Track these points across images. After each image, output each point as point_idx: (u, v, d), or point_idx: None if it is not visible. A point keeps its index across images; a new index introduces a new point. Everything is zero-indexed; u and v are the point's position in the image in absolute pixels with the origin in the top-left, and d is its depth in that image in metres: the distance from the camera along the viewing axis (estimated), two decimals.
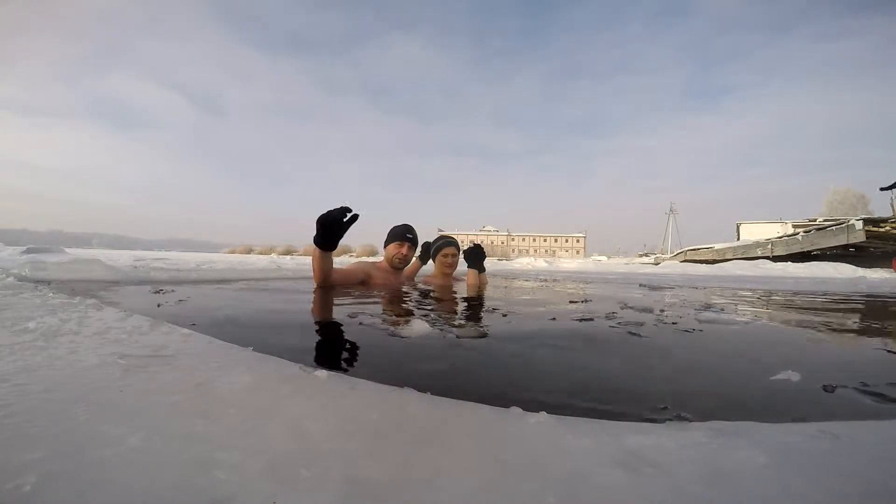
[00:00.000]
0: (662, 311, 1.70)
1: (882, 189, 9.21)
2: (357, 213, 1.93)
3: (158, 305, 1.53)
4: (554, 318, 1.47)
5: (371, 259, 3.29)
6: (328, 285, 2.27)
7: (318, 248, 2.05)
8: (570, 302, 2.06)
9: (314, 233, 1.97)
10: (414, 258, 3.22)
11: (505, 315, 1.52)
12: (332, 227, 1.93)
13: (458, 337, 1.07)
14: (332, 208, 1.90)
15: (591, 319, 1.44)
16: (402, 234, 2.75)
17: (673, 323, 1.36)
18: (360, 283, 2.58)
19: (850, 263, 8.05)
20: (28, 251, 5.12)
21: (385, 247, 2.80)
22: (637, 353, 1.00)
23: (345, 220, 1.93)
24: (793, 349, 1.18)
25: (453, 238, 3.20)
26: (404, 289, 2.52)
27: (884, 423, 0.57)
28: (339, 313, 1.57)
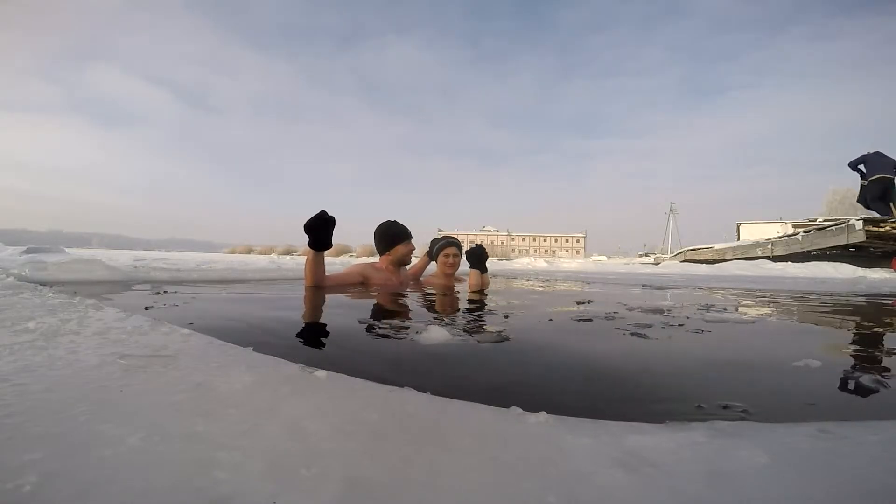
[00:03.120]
0: (669, 311, 1.70)
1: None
2: (332, 216, 2.19)
3: (147, 308, 1.46)
4: (551, 320, 1.47)
5: (368, 260, 3.28)
6: (320, 285, 2.33)
7: (312, 251, 2.23)
8: (578, 303, 2.05)
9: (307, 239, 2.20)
10: (422, 255, 3.22)
11: (506, 317, 1.52)
12: (320, 229, 2.15)
13: (479, 342, 1.04)
14: (313, 215, 2.15)
15: (590, 320, 1.44)
16: (408, 234, 2.82)
17: (679, 324, 1.37)
18: (358, 285, 2.59)
19: (850, 263, 8.04)
20: (28, 251, 5.12)
21: (389, 248, 2.78)
22: (643, 353, 1.00)
23: (326, 219, 2.16)
24: (804, 344, 1.19)
25: (455, 238, 3.19)
26: (405, 289, 2.52)
27: (884, 423, 0.57)
28: (339, 313, 1.57)
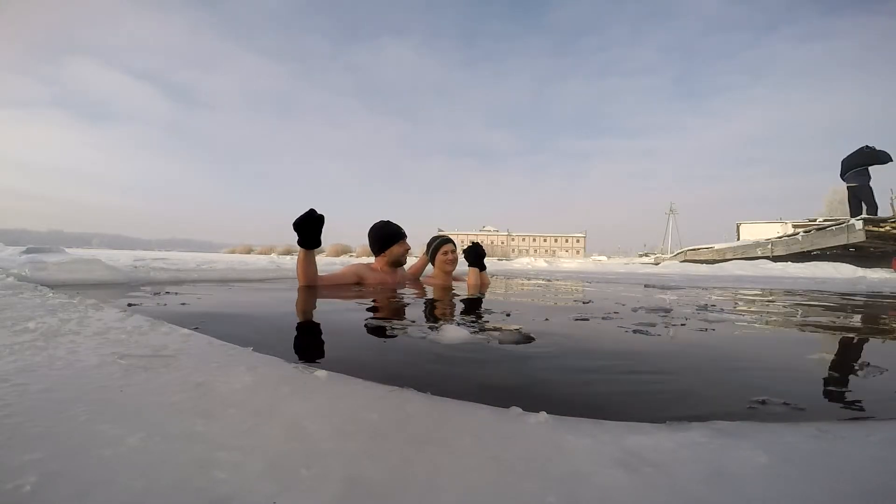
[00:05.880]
0: (670, 310, 1.70)
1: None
2: (322, 214, 2.20)
3: (129, 305, 1.45)
4: (547, 318, 1.47)
5: (366, 261, 3.27)
6: (313, 285, 2.34)
7: (302, 250, 2.25)
8: (583, 303, 2.05)
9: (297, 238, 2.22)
10: (421, 255, 3.22)
11: (508, 314, 1.52)
12: (309, 227, 2.16)
13: (500, 343, 1.02)
14: (301, 213, 2.16)
15: (587, 319, 1.44)
16: (402, 234, 2.79)
17: (682, 324, 1.37)
18: (354, 285, 2.58)
19: (850, 263, 8.05)
20: (28, 251, 5.12)
21: (384, 249, 2.77)
22: (643, 353, 1.00)
23: (315, 217, 2.17)
24: (804, 344, 1.19)
25: (448, 237, 3.20)
26: (403, 289, 2.52)
27: (884, 423, 0.57)
28: (337, 313, 1.57)
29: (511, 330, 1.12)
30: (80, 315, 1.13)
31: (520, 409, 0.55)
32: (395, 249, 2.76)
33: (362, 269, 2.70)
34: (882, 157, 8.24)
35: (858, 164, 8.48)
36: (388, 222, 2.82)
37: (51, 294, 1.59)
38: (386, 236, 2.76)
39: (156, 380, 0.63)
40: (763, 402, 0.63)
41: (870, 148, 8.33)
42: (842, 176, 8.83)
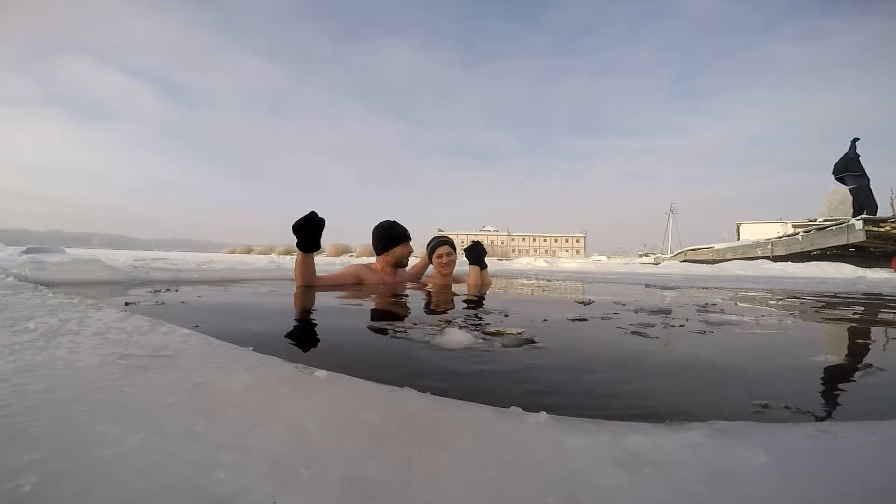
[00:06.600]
0: (670, 311, 1.70)
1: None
2: (322, 217, 2.21)
3: (127, 304, 1.46)
4: (545, 319, 1.47)
5: (366, 261, 3.26)
6: (311, 286, 2.35)
7: (300, 252, 2.27)
8: (583, 304, 2.05)
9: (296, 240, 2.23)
10: (422, 256, 3.21)
11: (507, 315, 1.52)
12: (308, 230, 2.18)
13: (503, 346, 1.01)
14: (301, 216, 2.17)
15: (585, 319, 1.44)
16: (407, 235, 2.78)
17: (681, 325, 1.37)
18: (353, 285, 2.57)
19: (850, 263, 8.05)
20: (28, 251, 5.12)
21: (387, 249, 2.76)
22: (643, 353, 1.00)
23: (316, 221, 2.18)
24: (804, 344, 1.20)
25: (446, 237, 3.17)
26: (402, 289, 2.52)
27: (884, 423, 0.57)
28: (337, 313, 1.57)
29: (513, 331, 1.12)
30: (80, 315, 1.13)
31: (520, 409, 0.55)
32: (398, 250, 2.76)
33: (361, 270, 2.69)
34: (853, 167, 8.43)
35: (843, 171, 8.61)
36: (395, 223, 2.81)
37: (51, 294, 1.59)
38: (392, 236, 2.75)
39: (156, 380, 0.63)
40: (765, 406, 0.63)
41: (854, 152, 8.46)
42: (835, 177, 8.92)
